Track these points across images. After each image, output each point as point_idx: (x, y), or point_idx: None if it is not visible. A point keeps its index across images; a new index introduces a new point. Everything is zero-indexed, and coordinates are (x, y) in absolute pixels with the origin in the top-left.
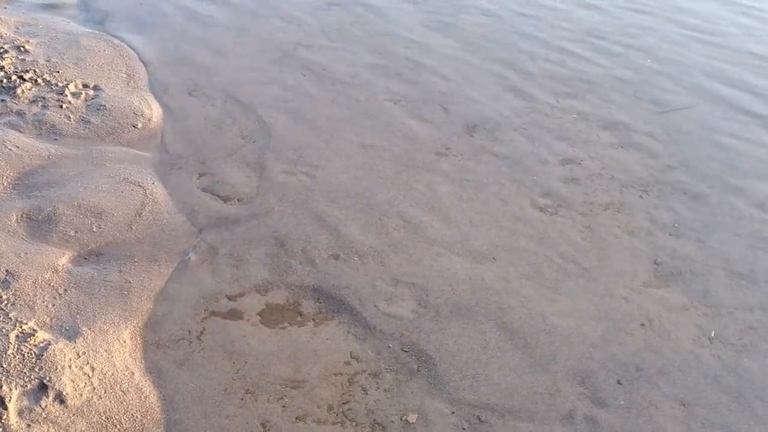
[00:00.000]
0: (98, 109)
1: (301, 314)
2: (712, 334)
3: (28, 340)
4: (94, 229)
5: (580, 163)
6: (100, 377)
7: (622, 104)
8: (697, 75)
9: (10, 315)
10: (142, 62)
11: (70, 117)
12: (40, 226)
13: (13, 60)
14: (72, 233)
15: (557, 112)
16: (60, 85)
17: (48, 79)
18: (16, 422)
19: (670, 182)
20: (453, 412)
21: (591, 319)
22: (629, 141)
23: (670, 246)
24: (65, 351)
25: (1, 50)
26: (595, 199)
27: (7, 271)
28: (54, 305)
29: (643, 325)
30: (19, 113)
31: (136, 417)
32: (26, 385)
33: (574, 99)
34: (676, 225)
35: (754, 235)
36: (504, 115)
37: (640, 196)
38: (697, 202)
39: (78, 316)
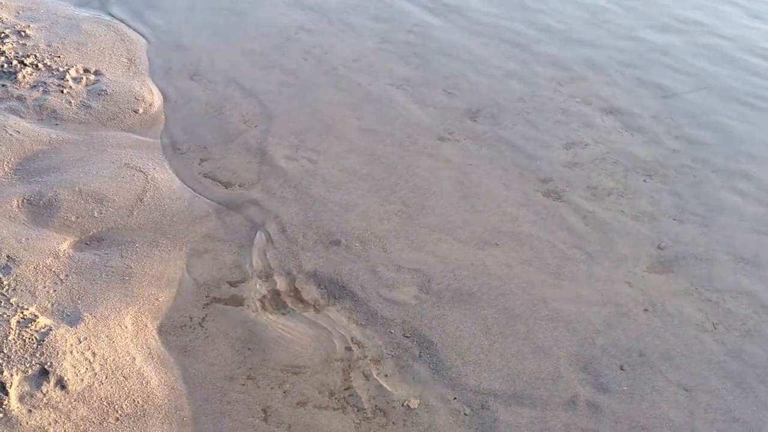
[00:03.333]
0: (99, 94)
1: (302, 300)
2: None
3: (30, 325)
4: (96, 215)
5: (583, 148)
6: (101, 363)
7: (626, 88)
8: (703, 59)
9: (11, 300)
10: (144, 47)
11: (71, 102)
12: (41, 211)
13: (14, 45)
14: (73, 219)
15: (561, 97)
16: (61, 70)
17: (49, 64)
18: (17, 407)
19: (674, 167)
20: (455, 398)
21: (594, 304)
22: (633, 125)
23: (673, 231)
24: (66, 336)
25: (2, 35)
26: (598, 183)
27: (8, 256)
28: (55, 291)
29: (646, 310)
30: (20, 98)
31: (138, 402)
32: (27, 371)
33: (577, 83)
34: (679, 210)
35: (759, 220)
36: (507, 99)
37: (644, 181)
38: (701, 187)
39: (79, 302)
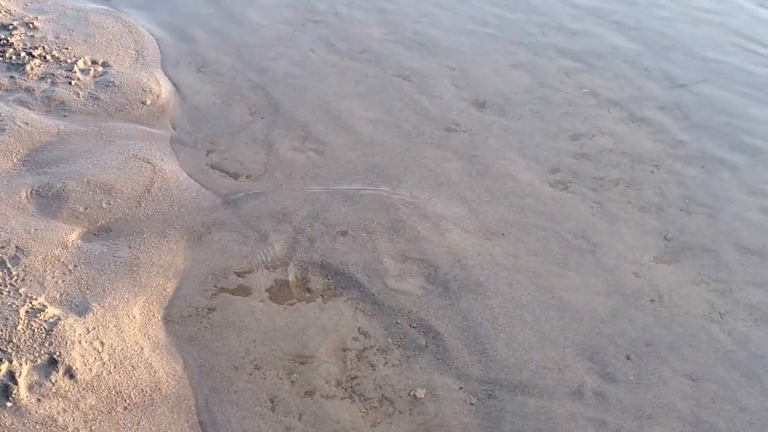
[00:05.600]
0: (107, 86)
1: (309, 290)
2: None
3: (38, 315)
4: (104, 206)
5: (590, 139)
6: (109, 352)
7: (633, 79)
8: (711, 49)
9: (20, 291)
10: (151, 38)
11: (79, 93)
12: (49, 202)
13: (22, 37)
14: (81, 209)
15: (568, 87)
16: (69, 61)
17: (57, 55)
18: (26, 397)
19: (681, 157)
20: (461, 388)
21: (600, 294)
22: (640, 116)
23: (680, 221)
24: (75, 326)
25: (10, 27)
26: (605, 174)
27: (17, 247)
28: (64, 281)
29: (652, 300)
30: (29, 90)
31: (146, 392)
32: (36, 360)
33: (584, 74)
34: (686, 200)
35: (766, 210)
36: (514, 90)
37: (651, 171)
38: (708, 177)
39: (88, 292)
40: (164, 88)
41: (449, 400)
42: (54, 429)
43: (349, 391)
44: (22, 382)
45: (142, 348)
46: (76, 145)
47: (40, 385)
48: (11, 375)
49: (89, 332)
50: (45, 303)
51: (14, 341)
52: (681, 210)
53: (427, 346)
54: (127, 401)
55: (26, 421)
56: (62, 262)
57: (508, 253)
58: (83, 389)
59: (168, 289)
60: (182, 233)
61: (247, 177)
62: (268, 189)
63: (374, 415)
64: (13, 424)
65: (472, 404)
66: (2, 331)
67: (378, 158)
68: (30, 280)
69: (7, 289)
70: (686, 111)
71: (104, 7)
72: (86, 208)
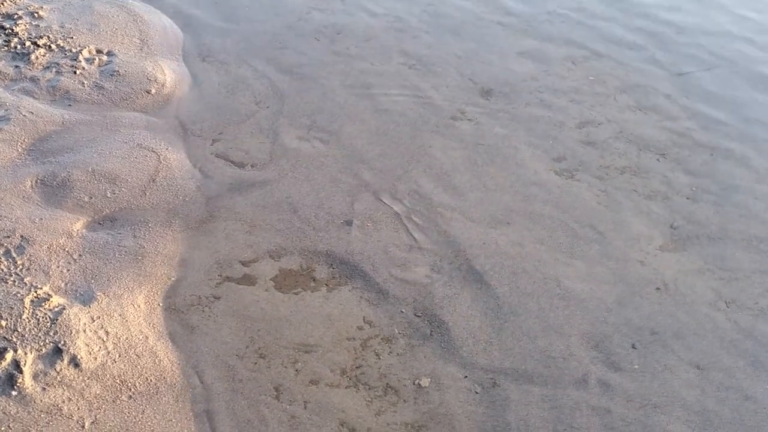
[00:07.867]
0: (112, 75)
1: (314, 279)
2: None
3: (43, 304)
4: (109, 195)
5: (596, 127)
6: (114, 341)
7: (640, 66)
8: (717, 37)
9: (25, 280)
10: (155, 27)
11: (83, 83)
12: (54, 191)
13: (27, 26)
14: (86, 199)
15: (574, 75)
16: (74, 50)
17: (62, 44)
18: (32, 385)
19: (688, 145)
20: (466, 377)
21: (606, 283)
22: (647, 103)
23: (687, 209)
24: (80, 315)
25: (15, 16)
26: (611, 162)
27: (21, 236)
28: (68, 270)
29: (658, 289)
30: (33, 79)
31: (150, 380)
32: (41, 349)
33: (591, 61)
34: (693, 188)
35: None
36: (520, 77)
37: (658, 160)
38: (715, 166)
39: (92, 281)
40: (169, 78)
41: (454, 389)
42: (59, 418)
43: (354, 379)
44: (27, 371)
45: (146, 337)
46: (80, 134)
47: (45, 374)
48: (16, 364)
49: (94, 321)
50: (50, 292)
51: (19, 330)
52: (687, 198)
53: (431, 335)
54: (132, 390)
55: (31, 410)
56: (67, 251)
57: (513, 241)
58: (88, 378)
59: (173, 279)
60: (187, 222)
61: (252, 166)
62: (273, 178)
63: (379, 404)
64: (18, 412)
65: (476, 393)
66: (7, 320)
67: (383, 147)
68: (35, 270)
69: (12, 279)
70: (693, 99)
71: None
72: (91, 198)
